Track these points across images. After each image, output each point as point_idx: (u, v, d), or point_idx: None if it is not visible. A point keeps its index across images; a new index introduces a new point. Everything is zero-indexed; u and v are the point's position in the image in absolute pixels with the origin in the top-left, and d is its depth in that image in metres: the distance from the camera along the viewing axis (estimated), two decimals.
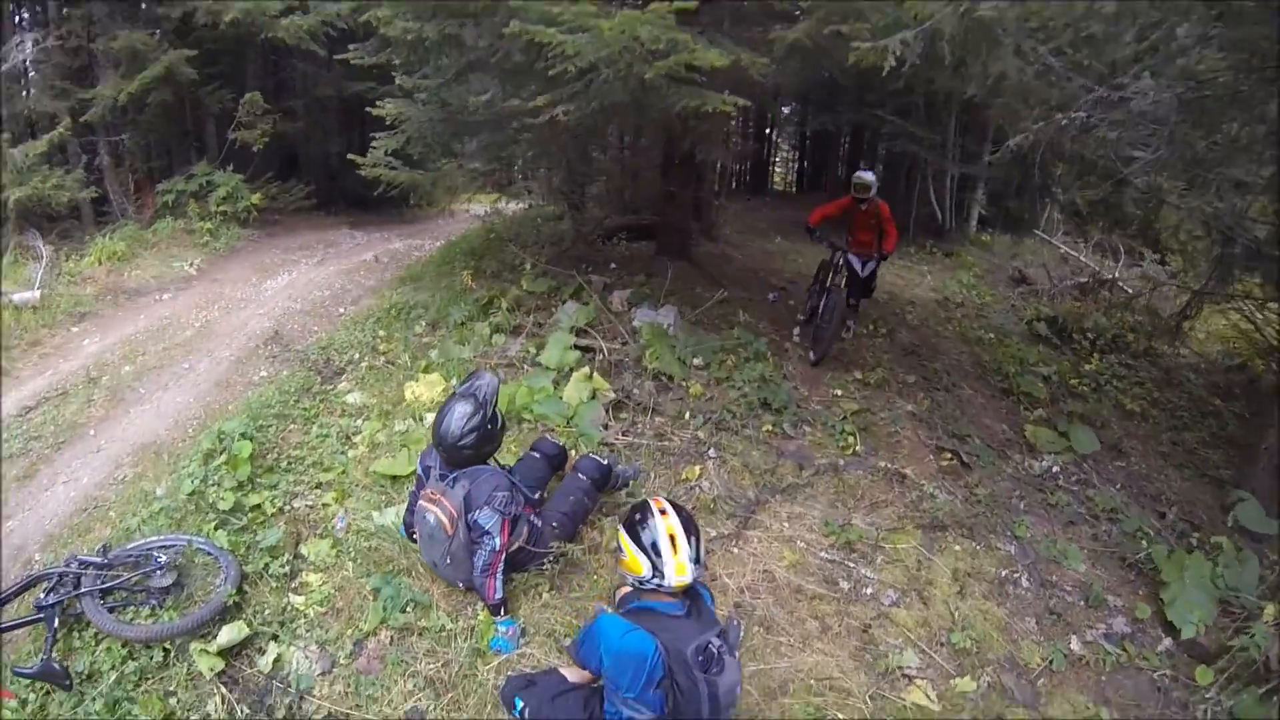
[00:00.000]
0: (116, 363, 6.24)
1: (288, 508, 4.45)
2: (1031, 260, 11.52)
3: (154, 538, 3.98)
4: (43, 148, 8.64)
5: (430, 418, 5.17)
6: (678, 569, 2.87)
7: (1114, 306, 8.66)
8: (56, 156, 9.34)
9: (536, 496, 3.99)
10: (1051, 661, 3.68)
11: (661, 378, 5.70)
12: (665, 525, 2.95)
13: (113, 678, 3.43)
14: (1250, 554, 4.05)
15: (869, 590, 4.07)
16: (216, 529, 4.14)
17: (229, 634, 3.60)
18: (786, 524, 4.48)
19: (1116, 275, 9.71)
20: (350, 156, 7.40)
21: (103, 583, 3.64)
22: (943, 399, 6.03)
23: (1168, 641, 3.77)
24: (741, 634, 3.68)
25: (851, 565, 4.21)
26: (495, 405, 3.79)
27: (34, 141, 8.72)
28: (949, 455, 5.20)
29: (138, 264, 8.48)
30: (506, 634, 3.75)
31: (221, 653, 3.56)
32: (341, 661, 3.67)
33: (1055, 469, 5.20)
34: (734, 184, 16.90)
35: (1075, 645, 3.78)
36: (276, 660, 3.63)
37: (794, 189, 20.72)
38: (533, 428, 5.06)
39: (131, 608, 3.71)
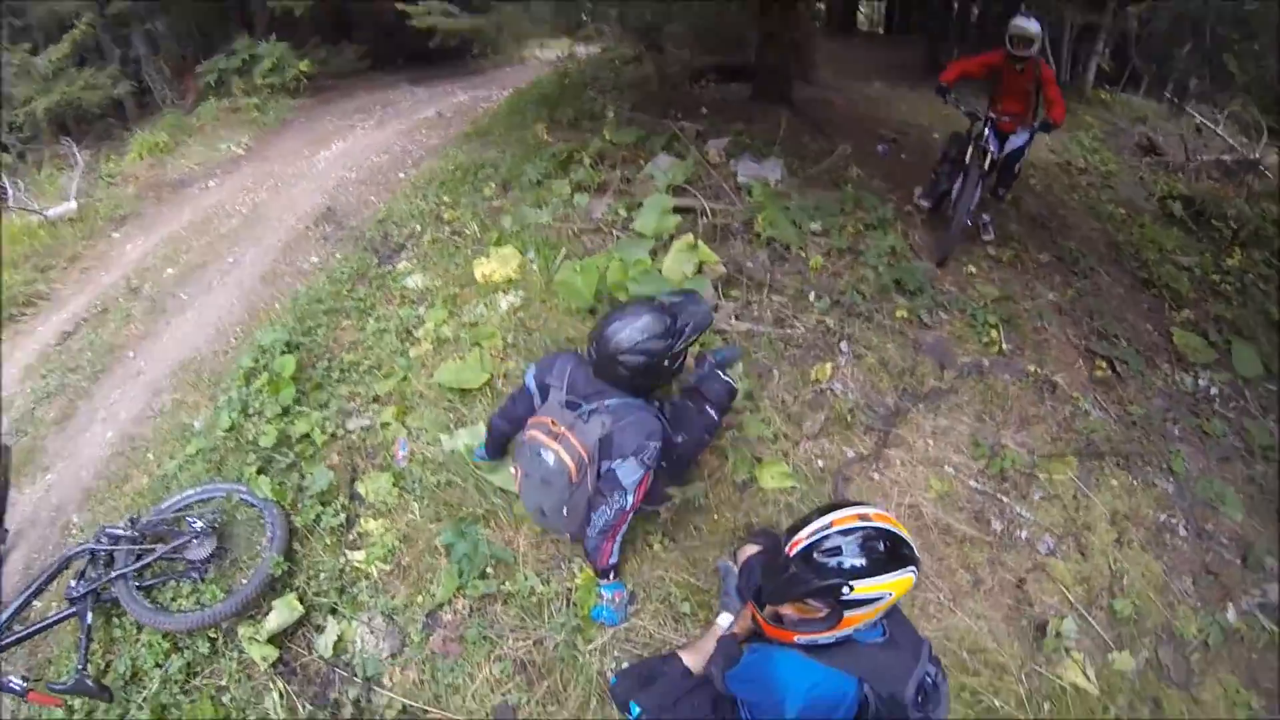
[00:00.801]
0: (158, 266, 5.51)
1: (340, 431, 3.61)
2: (1159, 128, 9.58)
3: (190, 491, 3.27)
4: (66, 49, 8.03)
5: (507, 302, 4.10)
6: None
7: (1259, 195, 7.32)
8: (90, 57, 8.74)
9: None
10: (1208, 636, 3.23)
11: (775, 245, 4.55)
12: None
13: (157, 678, 2.83)
14: None
15: (1024, 534, 3.46)
16: (259, 473, 3.37)
17: (280, 616, 2.90)
18: (931, 442, 3.73)
19: (1258, 155, 8.06)
20: (400, 6, 6.69)
21: (136, 559, 2.98)
22: (1083, 287, 5.13)
23: None
24: None
25: (1004, 500, 3.56)
26: (690, 343, 2.78)
27: (56, 46, 8.00)
28: (1102, 363, 4.45)
29: (181, 153, 7.65)
30: (612, 601, 2.89)
31: (273, 639, 2.85)
32: (413, 639, 2.89)
33: (1212, 390, 4.47)
34: (817, 23, 14.30)
35: (1231, 615, 3.33)
36: (338, 641, 2.91)
37: (881, 29, 18.30)
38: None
39: (171, 583, 3.06)
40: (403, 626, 2.94)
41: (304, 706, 2.75)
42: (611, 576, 2.91)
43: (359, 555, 3.11)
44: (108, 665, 2.89)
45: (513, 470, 2.90)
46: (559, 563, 3.08)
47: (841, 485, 3.45)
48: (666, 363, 2.68)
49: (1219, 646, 3.23)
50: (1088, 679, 2.97)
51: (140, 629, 2.93)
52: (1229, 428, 4.20)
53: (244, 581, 2.98)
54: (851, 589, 1.82)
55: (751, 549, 2.78)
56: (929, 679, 1.95)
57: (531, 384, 2.90)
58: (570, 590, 3.00)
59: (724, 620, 2.85)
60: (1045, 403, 4.03)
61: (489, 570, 3.04)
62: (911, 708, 1.87)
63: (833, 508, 1.95)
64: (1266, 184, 7.61)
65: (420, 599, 2.99)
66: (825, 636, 1.94)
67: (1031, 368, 4.17)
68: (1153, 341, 4.75)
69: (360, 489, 3.35)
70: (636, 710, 2.48)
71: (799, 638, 1.98)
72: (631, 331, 2.61)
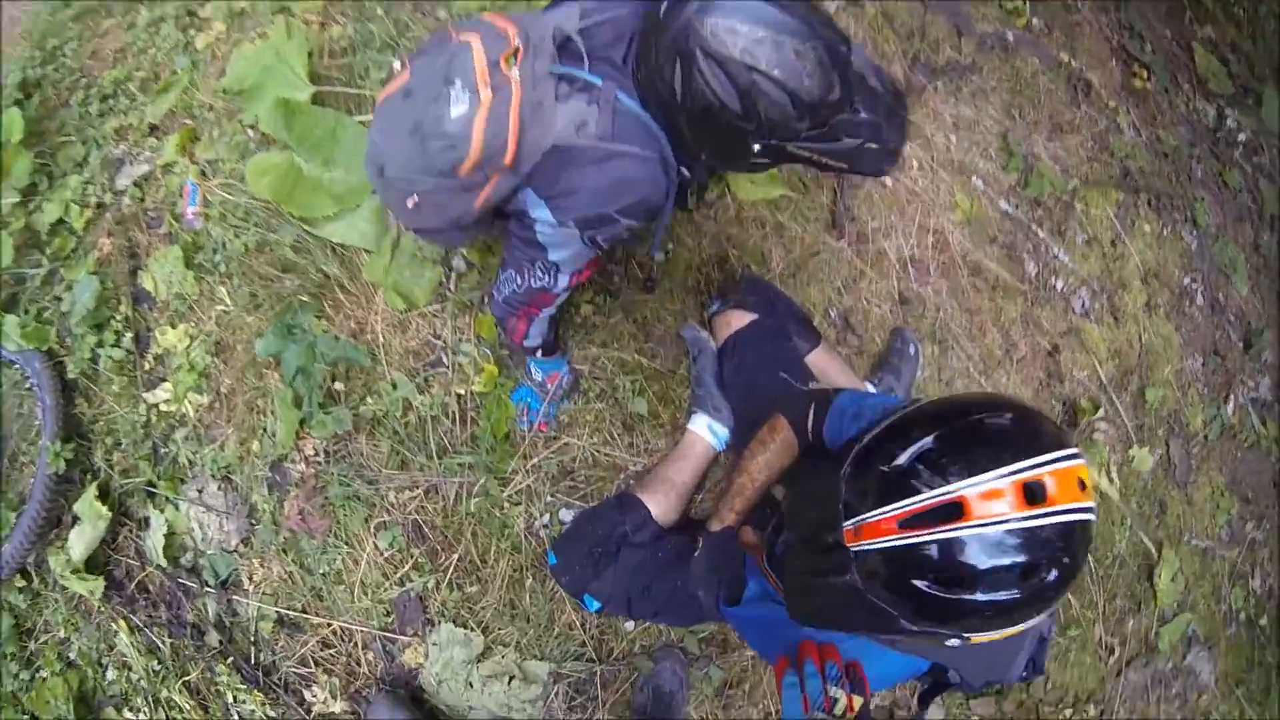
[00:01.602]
0: None
1: (108, 198, 2.28)
2: None
3: None
4: None
5: None
6: None
7: None
8: None
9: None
10: (1209, 431, 2.84)
11: None
12: None
13: None
14: None
15: (1060, 285, 2.70)
16: (4, 310, 2.18)
17: (84, 533, 1.98)
18: (954, 139, 2.69)
19: None
20: None
21: None
22: None
23: None
24: (920, 360, 2.20)
25: (1040, 235, 2.73)
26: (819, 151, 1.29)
27: None
28: (1141, 70, 3.39)
29: None
30: (541, 385, 1.86)
31: (93, 562, 1.97)
32: (264, 512, 1.87)
33: (1239, 135, 3.60)
34: None
35: (1230, 408, 2.94)
36: (170, 538, 1.97)
37: None
38: None
39: None
40: (244, 494, 1.91)
41: (162, 641, 1.92)
42: (538, 356, 1.74)
43: (163, 393, 2.02)
44: None
45: (380, 95, 1.39)
46: (440, 351, 1.81)
47: (847, 194, 2.28)
48: (754, 142, 1.22)
49: (1215, 441, 2.88)
50: (1110, 480, 2.56)
51: None
52: (1245, 182, 3.52)
53: (29, 483, 2.02)
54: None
55: (738, 317, 1.83)
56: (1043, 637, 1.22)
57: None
58: (466, 396, 1.77)
59: (699, 426, 1.81)
60: (1080, 107, 3.17)
61: (338, 386, 1.85)
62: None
63: (1035, 433, 0.90)
64: None
65: (257, 445, 1.91)
66: None
67: (1064, 56, 3.17)
68: (1174, 54, 3.76)
69: (146, 283, 2.12)
70: (595, 604, 1.69)
71: None
72: (751, 38, 1.12)
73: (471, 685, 1.71)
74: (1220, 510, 2.81)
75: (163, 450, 2.00)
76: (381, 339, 1.87)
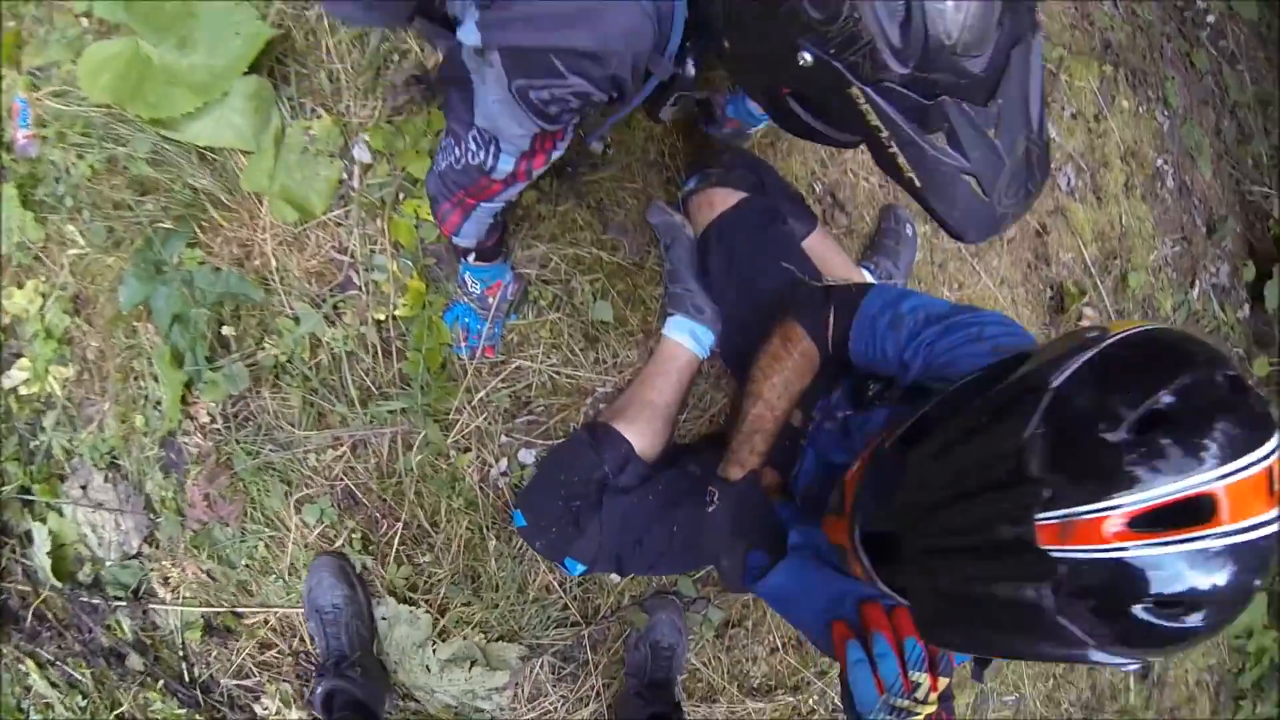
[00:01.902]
0: None
1: None
2: None
3: None
4: None
5: None
6: None
7: None
8: None
9: None
10: (1177, 316, 2.87)
11: None
12: None
13: None
14: None
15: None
16: None
17: None
18: None
19: None
20: None
21: None
22: None
23: (1246, 309, 3.08)
24: (918, 242, 1.90)
25: None
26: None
27: None
28: None
29: None
30: (478, 298, 1.45)
31: None
32: (162, 501, 1.50)
33: (1208, 16, 3.49)
34: None
35: (1195, 293, 2.96)
36: (59, 550, 1.61)
37: None
38: None
39: None
40: (136, 482, 1.54)
41: (81, 673, 1.57)
42: (471, 259, 1.35)
43: (20, 373, 1.62)
44: None
45: None
46: (348, 269, 1.42)
47: None
48: (809, 46, 0.74)
49: (1183, 326, 2.71)
50: None
51: None
52: (1211, 65, 3.34)
53: None
54: None
55: (721, 196, 1.45)
56: None
57: None
58: (387, 323, 1.39)
59: (678, 331, 1.49)
60: None
61: (226, 331, 1.46)
62: None
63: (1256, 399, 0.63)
64: None
65: (140, 419, 1.53)
66: None
67: None
68: None
69: None
70: (579, 567, 1.38)
71: None
72: None
73: (429, 670, 1.38)
74: None
75: (32, 444, 1.61)
76: (274, 263, 1.47)
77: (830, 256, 1.61)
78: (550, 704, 1.50)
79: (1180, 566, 0.58)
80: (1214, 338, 2.82)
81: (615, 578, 1.56)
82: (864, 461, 0.89)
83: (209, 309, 1.47)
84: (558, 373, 1.44)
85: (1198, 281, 3.02)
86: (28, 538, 1.60)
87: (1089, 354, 0.64)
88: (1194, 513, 0.57)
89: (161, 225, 1.51)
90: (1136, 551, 0.58)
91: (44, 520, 1.58)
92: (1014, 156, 0.78)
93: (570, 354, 1.46)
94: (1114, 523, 0.58)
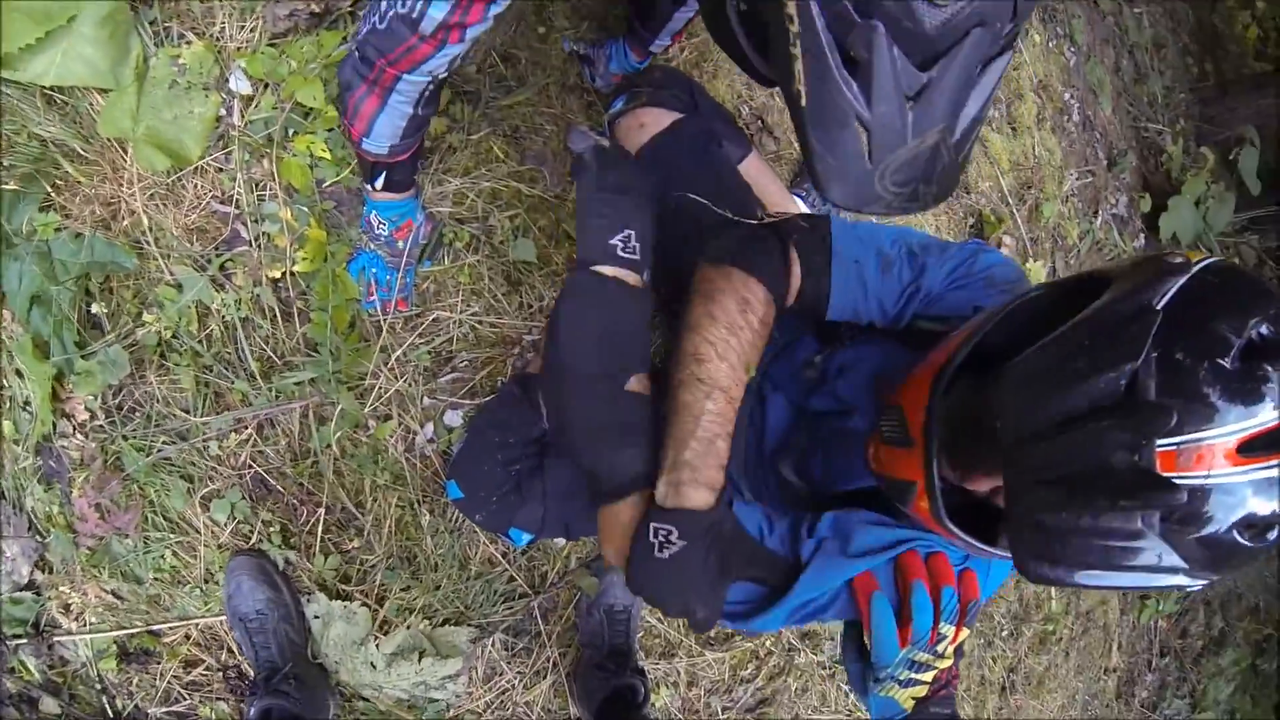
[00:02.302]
0: None
1: None
2: None
3: None
4: None
5: None
6: None
7: None
8: None
9: None
10: (1082, 245, 2.95)
11: None
12: None
13: None
14: (1231, 196, 3.54)
15: None
16: None
17: None
18: None
19: None
20: None
21: None
22: None
23: (1142, 240, 3.24)
24: None
25: None
26: None
27: None
28: None
29: None
30: (384, 239, 1.28)
31: None
32: (47, 516, 1.32)
33: None
34: None
35: (1098, 222, 3.12)
36: None
37: None
38: None
39: None
40: (15, 499, 1.34)
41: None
42: (379, 186, 1.17)
43: None
44: None
45: None
46: (235, 222, 1.23)
47: None
48: None
49: (1087, 255, 2.95)
50: None
51: None
52: (1112, 6, 3.44)
53: None
54: None
55: (653, 117, 1.27)
56: None
57: None
58: (284, 280, 1.21)
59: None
60: None
61: (97, 309, 1.27)
62: None
63: None
64: None
65: (8, 425, 1.33)
66: None
67: None
68: None
69: None
70: (524, 537, 1.27)
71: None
72: None
73: (375, 667, 1.23)
74: None
75: None
76: (146, 221, 1.26)
77: (766, 183, 1.49)
78: (507, 681, 1.37)
79: (1274, 490, 0.59)
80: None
81: (561, 541, 1.42)
82: (929, 382, 0.77)
83: (73, 284, 1.26)
84: (480, 322, 1.28)
85: (1100, 212, 3.15)
86: None
87: (1182, 279, 0.63)
88: None
89: (4, 188, 1.29)
90: (1242, 476, 0.59)
91: None
92: (920, 144, 0.67)
93: (492, 300, 1.29)
94: (1226, 447, 0.58)
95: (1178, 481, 0.58)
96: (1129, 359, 0.60)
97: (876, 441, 0.85)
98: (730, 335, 0.91)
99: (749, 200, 1.30)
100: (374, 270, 1.26)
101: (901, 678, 0.82)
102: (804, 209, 1.61)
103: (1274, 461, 0.58)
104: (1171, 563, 0.60)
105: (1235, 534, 0.60)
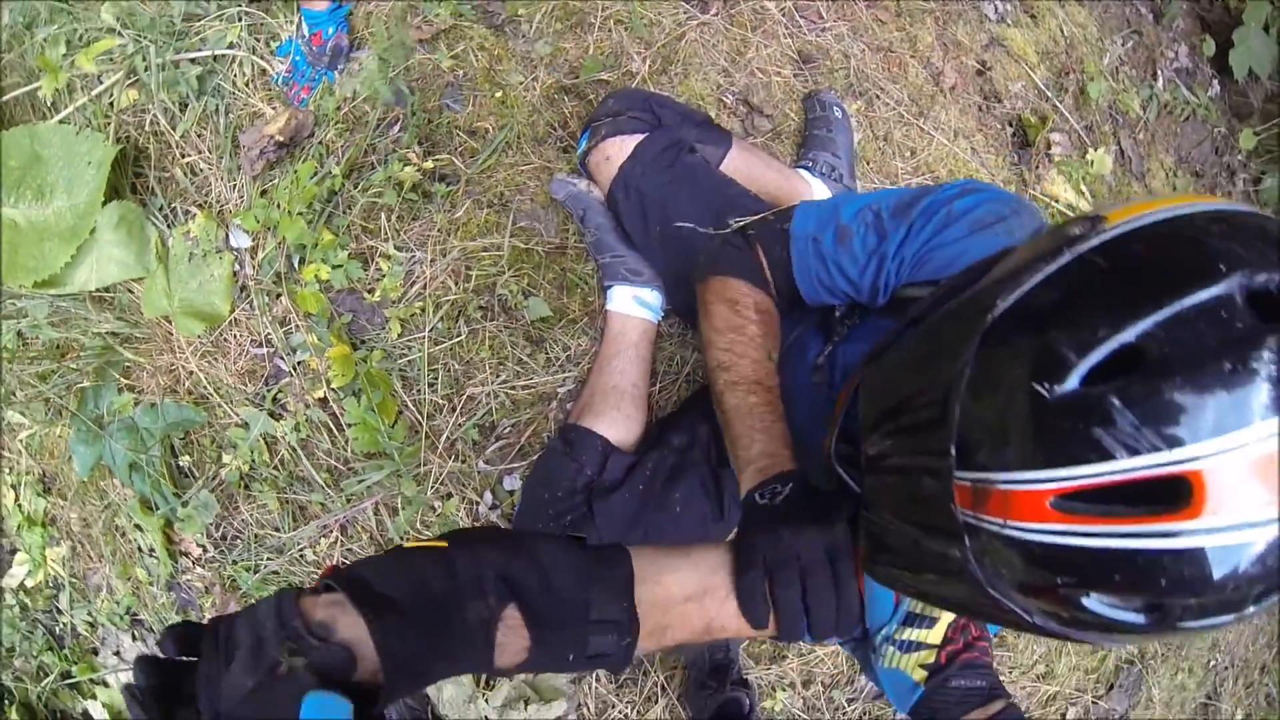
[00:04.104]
0: None
1: None
2: None
3: None
4: None
5: None
6: None
7: None
8: None
9: None
10: (1148, 113, 2.55)
11: None
12: None
13: None
14: None
15: None
16: None
17: None
18: None
19: None
20: None
21: None
22: None
23: (1216, 86, 2.80)
24: (852, 121, 1.74)
25: None
26: None
27: None
28: None
29: None
30: (307, 40, 1.49)
31: None
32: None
33: None
34: None
35: (1160, 84, 2.67)
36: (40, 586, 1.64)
37: None
38: None
39: None
40: (156, 624, 1.53)
41: None
42: None
43: (20, 569, 1.63)
44: None
45: None
46: (274, 358, 1.38)
47: None
48: None
49: (1155, 122, 2.54)
50: (1081, 194, 2.27)
51: None
52: None
53: None
54: None
55: (617, 146, 1.30)
56: None
57: None
58: (327, 398, 1.35)
59: (622, 302, 1.39)
60: None
61: (184, 461, 1.44)
62: None
63: None
64: None
65: (141, 572, 1.52)
66: None
67: None
68: None
69: None
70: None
71: None
72: None
73: None
74: (1178, 189, 2.61)
75: (56, 629, 1.62)
76: (204, 378, 1.41)
77: (758, 171, 1.47)
78: (619, 713, 1.43)
79: (1150, 566, 0.43)
80: (1191, 123, 2.60)
81: None
82: (855, 382, 0.74)
83: (159, 447, 1.42)
84: (512, 388, 1.35)
85: (1159, 72, 2.75)
86: (87, 717, 1.61)
87: (1053, 266, 0.48)
88: (1161, 496, 0.42)
89: (87, 383, 1.46)
90: (1075, 540, 0.44)
91: (94, 696, 1.59)
92: None
93: (519, 365, 1.36)
94: (1039, 499, 0.45)
95: (970, 521, 0.48)
96: (945, 370, 0.49)
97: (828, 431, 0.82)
98: (737, 335, 0.93)
99: (736, 196, 1.30)
100: (296, 59, 1.44)
101: (900, 638, 0.70)
102: (812, 181, 1.57)
103: (1124, 528, 0.43)
104: (1011, 611, 0.49)
105: (1093, 602, 0.45)
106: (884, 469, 0.58)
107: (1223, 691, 2.35)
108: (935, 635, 0.70)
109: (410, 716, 1.38)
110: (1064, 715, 1.93)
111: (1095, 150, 2.29)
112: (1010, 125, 2.13)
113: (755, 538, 0.70)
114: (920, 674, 0.69)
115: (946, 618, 0.71)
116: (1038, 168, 2.15)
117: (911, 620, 0.70)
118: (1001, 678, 0.74)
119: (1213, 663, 2.32)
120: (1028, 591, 0.48)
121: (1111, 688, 2.03)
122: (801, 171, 1.61)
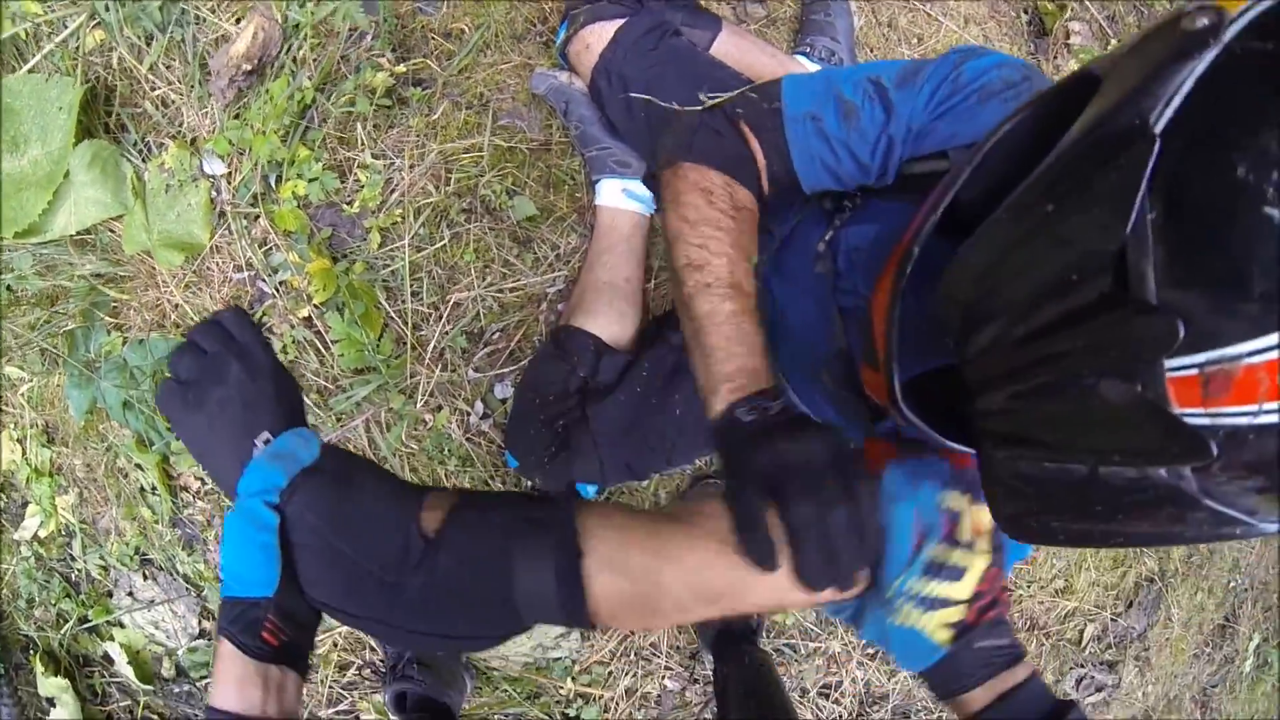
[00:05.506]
0: None
1: None
2: None
3: None
4: None
5: None
6: None
7: None
8: None
9: None
10: None
11: None
12: None
13: None
14: None
15: None
16: None
17: (66, 711, 1.59)
18: None
19: None
20: None
21: None
22: None
23: None
24: (852, 11, 1.64)
25: None
26: None
27: None
28: None
29: None
30: None
31: None
32: (197, 575, 1.51)
33: None
34: None
35: None
36: (137, 661, 1.59)
37: None
38: None
39: None
40: (169, 568, 1.52)
41: None
42: None
43: (33, 521, 1.62)
44: None
45: None
46: (256, 281, 1.33)
47: None
48: None
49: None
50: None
51: None
52: None
53: None
54: None
55: (596, 33, 1.23)
56: None
57: None
58: (311, 316, 1.30)
59: (611, 195, 1.32)
60: None
61: None
62: None
63: None
64: None
65: (145, 511, 1.50)
66: None
67: None
68: None
69: None
70: (589, 490, 1.26)
71: None
72: None
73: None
74: None
75: (73, 577, 1.61)
76: (190, 309, 1.38)
77: (750, 55, 1.39)
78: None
79: None
80: None
81: (646, 482, 1.40)
82: (890, 285, 0.60)
83: (149, 383, 1.39)
84: (499, 291, 1.30)
85: None
86: (107, 659, 1.61)
87: (1201, 63, 0.36)
88: None
89: (75, 327, 1.44)
90: None
91: (111, 638, 1.58)
92: None
93: (505, 267, 1.30)
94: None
95: (1200, 422, 0.36)
96: (1107, 231, 0.37)
97: (863, 360, 0.71)
98: (713, 230, 0.80)
99: (728, 79, 1.19)
100: None
101: (920, 593, 0.57)
102: (810, 67, 1.48)
103: None
104: (1227, 515, 0.39)
105: None
106: (1026, 391, 0.44)
107: (1241, 614, 2.23)
108: (964, 589, 0.58)
109: (422, 692, 1.33)
110: (1082, 631, 1.83)
111: (1117, 41, 2.09)
112: (1026, 13, 2.02)
113: (745, 453, 0.61)
114: (945, 634, 0.58)
115: (978, 567, 0.59)
116: (1055, 58, 2.02)
117: (934, 570, 0.58)
118: (1019, 593, 0.65)
119: (1233, 584, 2.19)
120: (1265, 491, 0.37)
121: (1131, 605, 1.93)
122: (799, 57, 1.52)
